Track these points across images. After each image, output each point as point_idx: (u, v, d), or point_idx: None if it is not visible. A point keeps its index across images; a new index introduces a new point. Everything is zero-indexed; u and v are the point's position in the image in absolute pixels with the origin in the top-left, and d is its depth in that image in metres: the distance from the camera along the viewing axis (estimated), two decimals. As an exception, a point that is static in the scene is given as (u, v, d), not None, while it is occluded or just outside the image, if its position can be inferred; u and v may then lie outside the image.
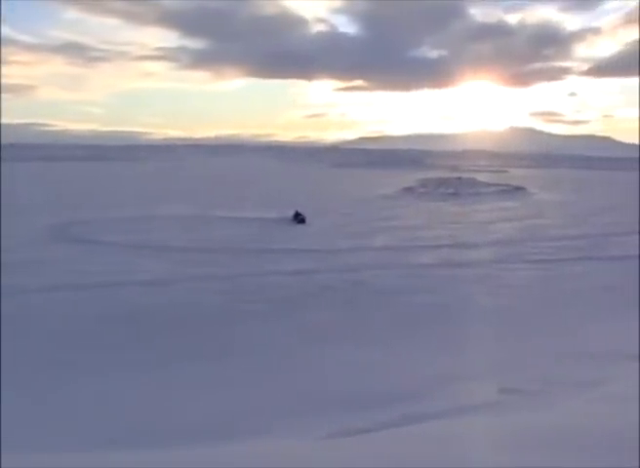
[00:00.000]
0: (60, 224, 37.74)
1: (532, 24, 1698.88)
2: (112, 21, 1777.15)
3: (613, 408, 6.80)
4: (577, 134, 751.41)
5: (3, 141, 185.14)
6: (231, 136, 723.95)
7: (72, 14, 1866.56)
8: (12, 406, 10.45)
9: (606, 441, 4.82)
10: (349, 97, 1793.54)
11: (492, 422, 6.78)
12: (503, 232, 38.54)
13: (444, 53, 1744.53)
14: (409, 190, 71.51)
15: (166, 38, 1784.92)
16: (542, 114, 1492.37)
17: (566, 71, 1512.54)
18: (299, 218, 40.90)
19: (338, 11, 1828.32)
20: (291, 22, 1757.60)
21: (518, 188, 75.92)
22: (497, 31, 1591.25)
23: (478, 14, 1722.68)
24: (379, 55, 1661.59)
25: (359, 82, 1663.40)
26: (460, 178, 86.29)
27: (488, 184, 79.24)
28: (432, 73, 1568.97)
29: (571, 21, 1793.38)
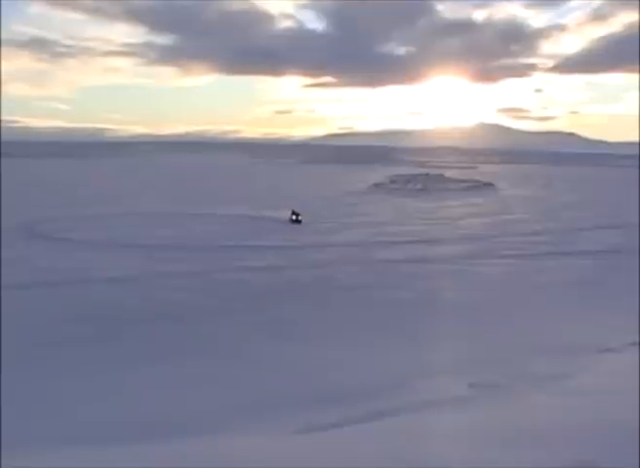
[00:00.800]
0: (27, 222, 37.20)
1: (499, 21, 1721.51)
2: (78, 17, 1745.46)
3: (581, 401, 6.74)
4: (543, 130, 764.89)
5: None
6: (199, 133, 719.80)
7: (37, 8, 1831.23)
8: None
9: (570, 434, 4.86)
10: (318, 93, 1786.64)
11: (460, 417, 6.68)
12: (472, 228, 38.82)
13: (412, 49, 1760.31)
14: (378, 186, 71.79)
15: (133, 34, 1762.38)
16: (510, 110, 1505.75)
17: (532, 68, 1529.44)
18: (297, 219, 39.49)
19: (304, 7, 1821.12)
20: (258, 18, 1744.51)
21: (487, 184, 76.78)
22: (464, 27, 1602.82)
23: (445, 10, 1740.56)
24: (346, 51, 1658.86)
25: (327, 78, 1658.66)
26: (428, 175, 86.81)
27: (457, 180, 79.99)
28: (400, 69, 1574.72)
29: (537, 18, 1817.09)
